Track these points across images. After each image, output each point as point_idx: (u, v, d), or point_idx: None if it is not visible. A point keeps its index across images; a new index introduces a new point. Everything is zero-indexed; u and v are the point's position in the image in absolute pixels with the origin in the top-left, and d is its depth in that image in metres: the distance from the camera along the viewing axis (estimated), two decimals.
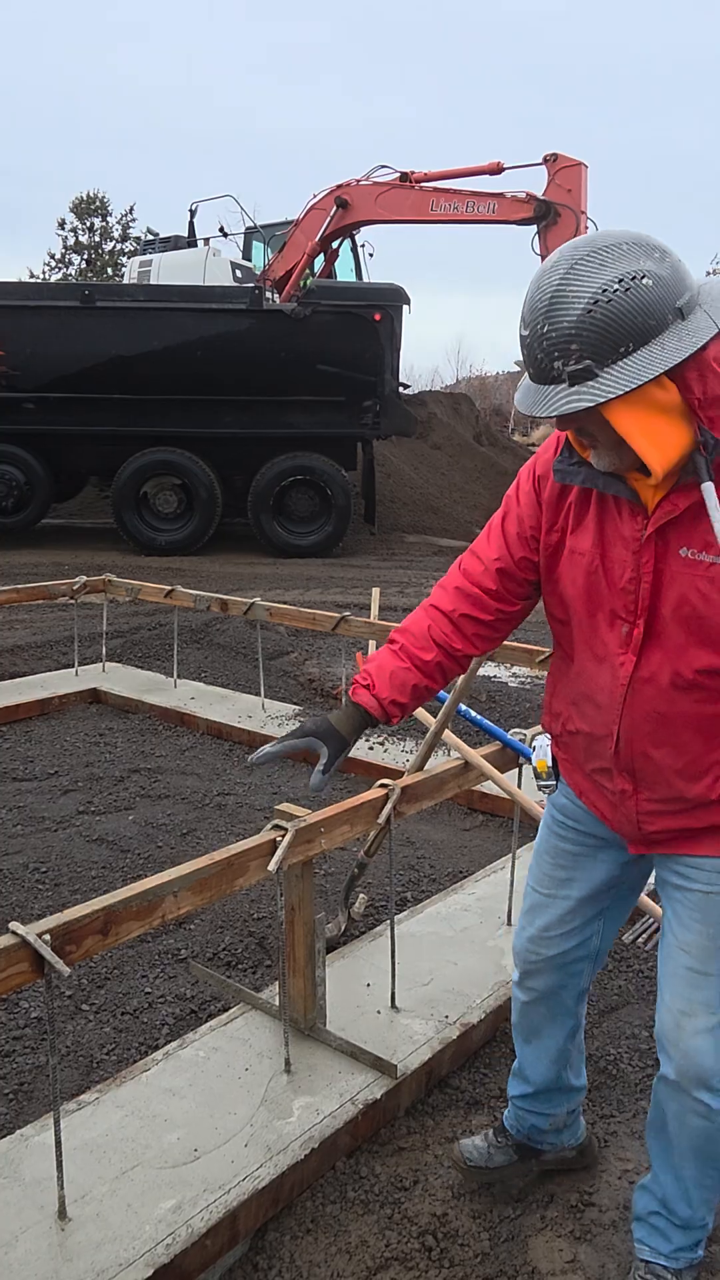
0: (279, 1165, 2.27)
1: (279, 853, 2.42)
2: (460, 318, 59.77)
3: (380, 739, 5.51)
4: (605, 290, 1.41)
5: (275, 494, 12.07)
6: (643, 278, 1.41)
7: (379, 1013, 2.87)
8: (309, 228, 12.46)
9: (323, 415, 11.86)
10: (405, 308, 11.65)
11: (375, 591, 6.79)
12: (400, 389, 12.18)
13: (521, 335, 1.49)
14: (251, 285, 11.97)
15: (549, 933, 2.05)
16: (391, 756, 5.22)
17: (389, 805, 2.74)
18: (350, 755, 5.72)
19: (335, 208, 11.96)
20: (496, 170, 11.27)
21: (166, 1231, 2.08)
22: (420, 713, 3.46)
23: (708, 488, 1.50)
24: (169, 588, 6.28)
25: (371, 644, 7.04)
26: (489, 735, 3.22)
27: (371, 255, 14.33)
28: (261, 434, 11.86)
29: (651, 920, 3.60)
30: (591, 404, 1.44)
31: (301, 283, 12.53)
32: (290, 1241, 2.21)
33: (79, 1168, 2.23)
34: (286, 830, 2.47)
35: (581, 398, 1.44)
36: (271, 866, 2.41)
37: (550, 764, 2.02)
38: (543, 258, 10.96)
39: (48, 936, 1.95)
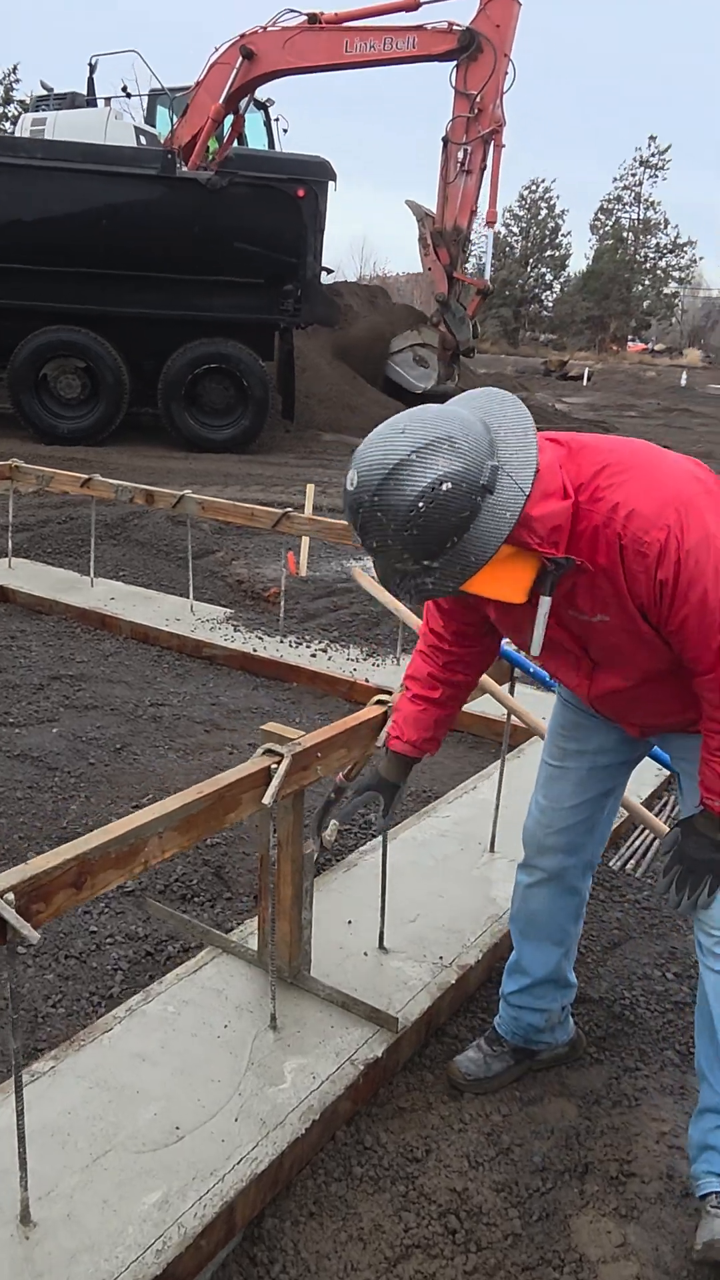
0: (277, 1143, 1.95)
1: (275, 782, 2.04)
2: (364, 215, 57.43)
3: (322, 645, 5.13)
4: (412, 512, 1.49)
5: (188, 383, 11.27)
6: (442, 484, 1.49)
7: (366, 955, 2.56)
8: (213, 86, 11.27)
9: (239, 299, 11.05)
10: (331, 184, 10.85)
11: (310, 488, 6.34)
12: (323, 274, 11.44)
13: (352, 523, 1.59)
14: (163, 149, 10.89)
15: (561, 803, 2.11)
16: (337, 665, 4.85)
17: (389, 727, 2.37)
18: (291, 663, 5.19)
19: (240, 59, 10.83)
20: (413, 6, 10.32)
21: (154, 1233, 1.74)
22: (413, 620, 3.07)
23: (544, 602, 1.65)
24: (85, 476, 5.69)
25: (305, 542, 6.61)
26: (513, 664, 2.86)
27: (286, 131, 13.26)
28: (172, 315, 10.98)
29: (640, 844, 3.38)
30: (441, 594, 1.59)
31: (208, 150, 11.51)
32: (292, 1229, 1.91)
33: (40, 1156, 1.86)
34: (282, 756, 2.08)
35: (431, 589, 1.58)
36: (268, 799, 2.03)
37: None
38: (458, 93, 10.18)
39: (10, 896, 1.54)
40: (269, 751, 2.10)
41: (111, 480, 5.67)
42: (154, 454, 11.35)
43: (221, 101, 11.17)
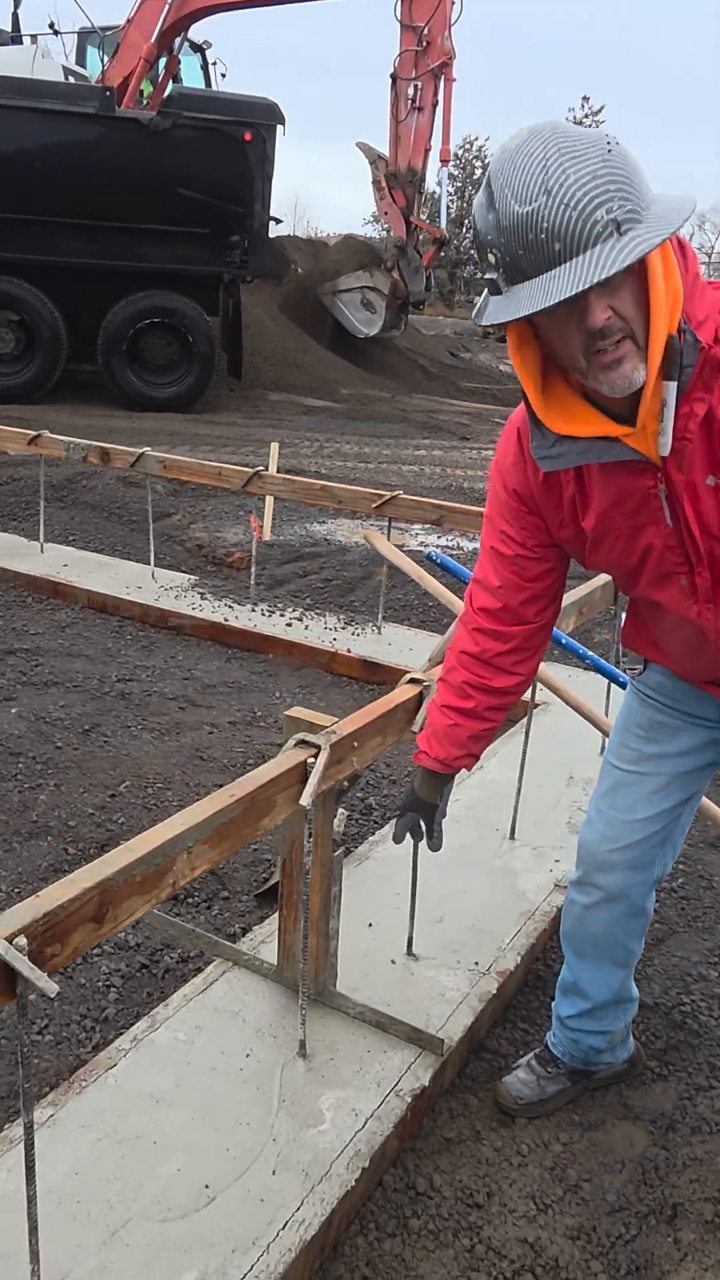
0: (325, 1199, 1.68)
1: (314, 779, 1.74)
2: (297, 172, 55.81)
3: (296, 614, 4.80)
4: (602, 140, 1.25)
5: (129, 338, 10.69)
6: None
7: (394, 963, 2.29)
8: (144, 23, 10.56)
9: (183, 249, 10.49)
10: (280, 128, 10.31)
11: (274, 446, 5.99)
12: (271, 224, 10.92)
13: (511, 223, 1.25)
14: (101, 87, 10.22)
15: (632, 815, 1.82)
16: (315, 634, 4.54)
17: (424, 710, 2.08)
18: (267, 634, 4.78)
19: None
20: None
21: None
22: (434, 585, 2.76)
23: (669, 388, 1.34)
24: (33, 434, 5.25)
25: (269, 504, 6.25)
26: (574, 656, 2.58)
27: (225, 75, 12.62)
28: (112, 266, 10.37)
29: None
30: (664, 236, 1.23)
31: (141, 94, 10.86)
32: None
33: (49, 1231, 1.55)
34: (319, 748, 1.78)
35: (647, 237, 1.22)
36: (306, 799, 1.72)
37: None
38: (404, 26, 9.63)
39: (22, 940, 1.22)
40: (303, 743, 1.80)
41: (62, 437, 5.23)
42: (94, 413, 10.78)
43: (154, 40, 10.54)
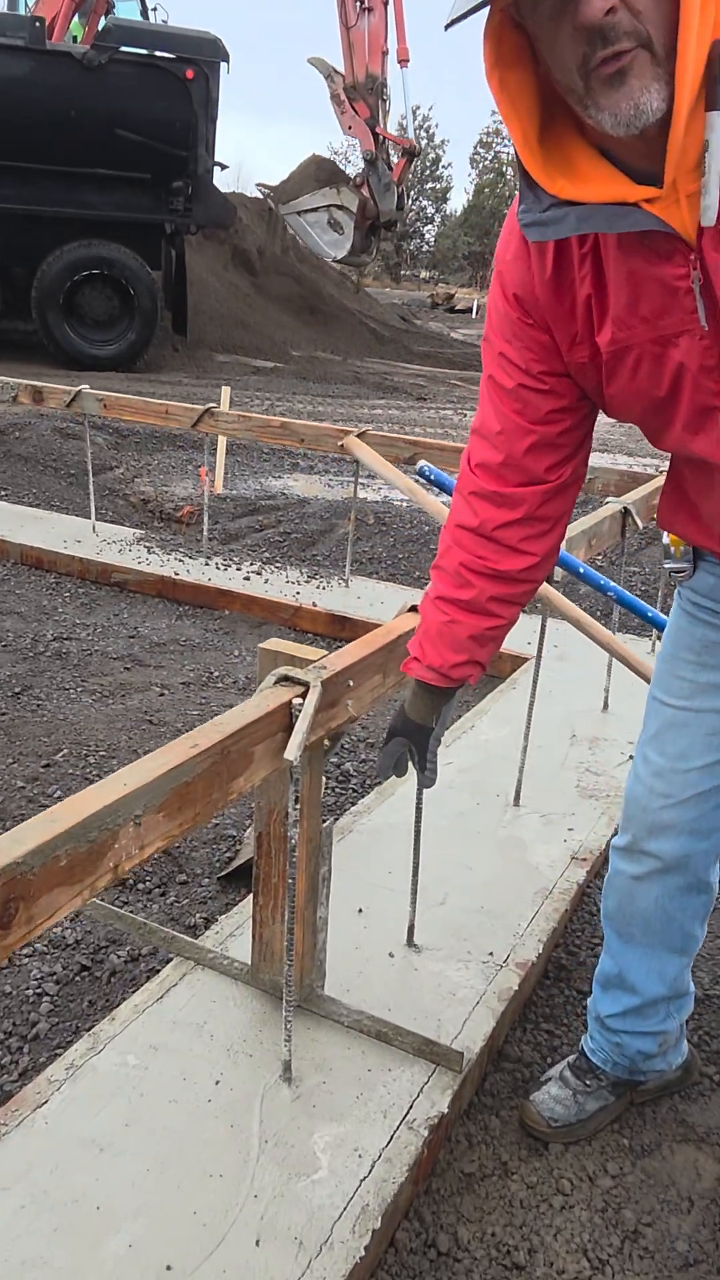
0: (329, 1278, 1.26)
1: (302, 726, 1.31)
2: (240, 147, 54.61)
3: (255, 568, 4.35)
4: None
5: (66, 291, 10.01)
6: None
7: (391, 956, 1.88)
8: None
9: (123, 195, 9.84)
10: (224, 66, 9.69)
11: (225, 390, 5.51)
12: (216, 169, 10.31)
13: None
14: (30, 17, 9.51)
15: (687, 763, 1.45)
16: (276, 588, 4.10)
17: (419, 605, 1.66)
18: (222, 588, 4.26)
19: None
20: None
21: None
22: (425, 498, 2.33)
23: (713, 120, 0.94)
24: None
25: (221, 453, 5.78)
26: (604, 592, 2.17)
27: (165, 22, 11.87)
28: (46, 212, 9.69)
29: None
30: None
31: (71, 32, 10.15)
32: None
33: None
34: (308, 686, 1.35)
35: None
36: (292, 752, 1.30)
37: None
38: None
39: None
40: (286, 681, 1.37)
41: None
42: (29, 371, 10.09)
43: None
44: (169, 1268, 1.25)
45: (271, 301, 14.62)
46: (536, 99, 1.03)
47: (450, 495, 2.31)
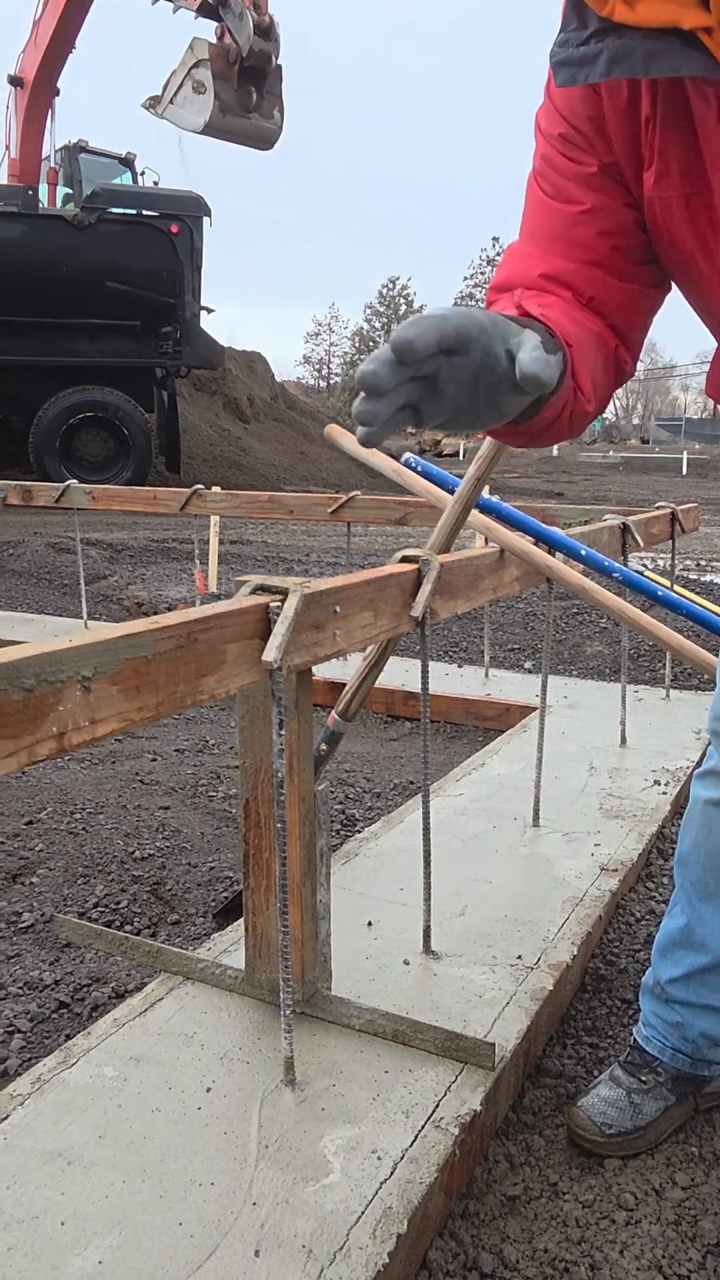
0: None
1: (281, 629, 1.17)
2: (231, 324, 57.61)
3: None
4: None
5: (62, 434, 10.34)
6: None
7: (408, 963, 1.66)
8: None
9: (115, 343, 10.28)
10: (206, 220, 10.29)
11: (216, 488, 5.52)
12: (203, 313, 10.78)
13: None
14: (23, 186, 10.16)
15: None
16: None
17: (427, 588, 1.53)
18: None
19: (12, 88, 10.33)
20: None
21: None
22: (414, 479, 2.23)
23: None
24: None
25: (214, 556, 5.74)
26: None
27: (157, 184, 12.69)
28: (41, 362, 10.10)
29: None
30: None
31: (71, 205, 10.80)
32: None
33: None
34: (286, 593, 1.22)
35: None
36: (270, 655, 1.15)
37: None
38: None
39: None
40: (262, 589, 1.23)
41: None
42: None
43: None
44: None
45: (264, 444, 15.08)
46: None
47: (437, 483, 2.22)
